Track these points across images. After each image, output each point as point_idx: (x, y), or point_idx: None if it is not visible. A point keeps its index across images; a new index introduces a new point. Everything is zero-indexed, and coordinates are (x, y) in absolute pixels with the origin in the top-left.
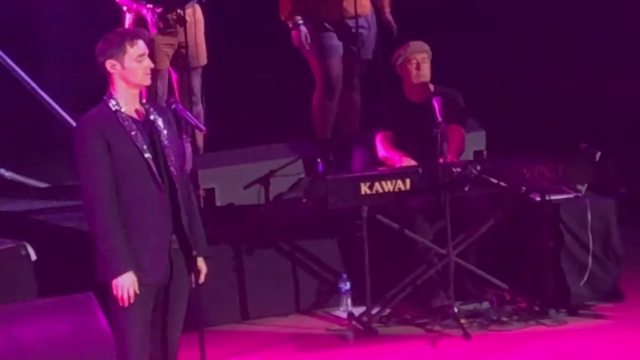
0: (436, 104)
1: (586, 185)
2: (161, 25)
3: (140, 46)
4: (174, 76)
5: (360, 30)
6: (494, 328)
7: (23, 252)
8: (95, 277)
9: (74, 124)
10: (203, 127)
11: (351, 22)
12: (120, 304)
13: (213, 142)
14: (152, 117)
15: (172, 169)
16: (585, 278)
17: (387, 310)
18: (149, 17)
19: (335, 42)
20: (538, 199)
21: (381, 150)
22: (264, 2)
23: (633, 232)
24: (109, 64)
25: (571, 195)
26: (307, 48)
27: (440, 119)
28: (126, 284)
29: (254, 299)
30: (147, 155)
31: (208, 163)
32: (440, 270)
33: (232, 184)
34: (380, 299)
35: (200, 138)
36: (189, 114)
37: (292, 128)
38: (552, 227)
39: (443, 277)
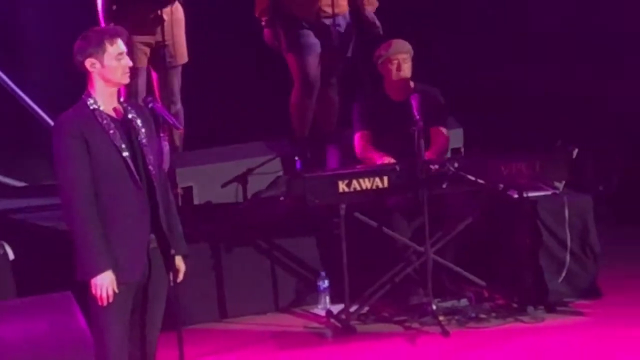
0: (413, 102)
1: (563, 182)
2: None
3: (120, 45)
4: (154, 75)
5: (338, 28)
6: (472, 325)
7: (1, 252)
8: (74, 276)
9: (52, 123)
10: (180, 126)
11: (328, 21)
12: (99, 303)
13: (192, 140)
14: (130, 116)
15: (150, 167)
16: (563, 275)
17: (366, 308)
18: None
19: (312, 41)
20: (516, 196)
21: (360, 150)
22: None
23: (610, 229)
24: (88, 62)
25: (549, 192)
26: (279, 46)
27: (417, 117)
28: (105, 283)
29: (232, 298)
30: (125, 154)
31: (186, 161)
32: (418, 267)
33: (210, 182)
34: (358, 296)
35: (178, 136)
36: (166, 112)
37: (270, 126)
38: (530, 224)
39: (421, 274)
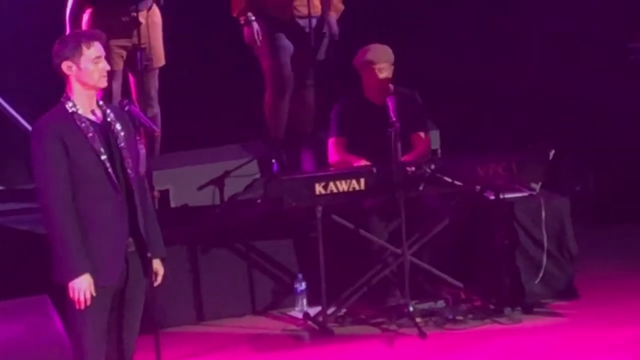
0: (390, 104)
1: (540, 183)
2: None
3: (97, 48)
4: (130, 78)
5: (312, 30)
6: (449, 327)
7: None
8: (52, 279)
9: (29, 127)
10: (157, 129)
11: (302, 22)
12: (77, 306)
13: (168, 143)
14: (109, 119)
15: (128, 171)
16: (540, 276)
17: (343, 310)
18: None
19: (286, 42)
20: (492, 197)
21: (333, 155)
22: (218, 1)
23: (587, 230)
24: (65, 65)
25: (525, 194)
26: (259, 45)
27: (394, 118)
28: (82, 286)
29: (209, 300)
30: (103, 157)
31: (162, 164)
32: (395, 269)
33: (187, 185)
34: (335, 299)
35: (155, 139)
36: (142, 115)
37: (247, 128)
38: (507, 226)
39: (398, 276)
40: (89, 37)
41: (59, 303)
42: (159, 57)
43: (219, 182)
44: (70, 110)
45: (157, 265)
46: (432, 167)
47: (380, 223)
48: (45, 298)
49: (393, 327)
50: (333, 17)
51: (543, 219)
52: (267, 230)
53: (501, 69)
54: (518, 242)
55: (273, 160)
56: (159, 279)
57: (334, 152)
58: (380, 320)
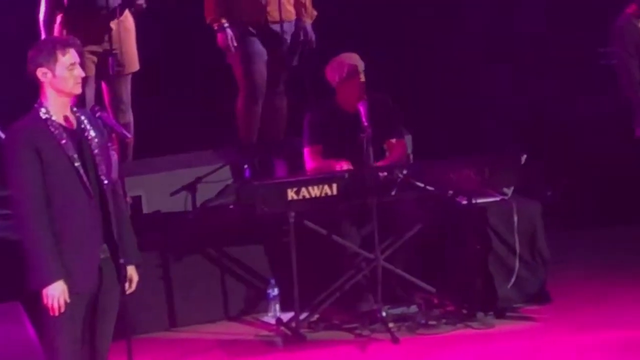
0: (362, 109)
1: (512, 187)
2: None
3: (72, 55)
4: (103, 84)
5: (285, 35)
6: (422, 332)
7: None
8: (25, 286)
9: (2, 134)
10: (128, 135)
11: (275, 27)
12: (51, 313)
13: (141, 149)
14: (82, 126)
15: (102, 177)
16: (513, 280)
17: (316, 316)
18: None
19: (259, 48)
20: (465, 202)
21: (310, 163)
22: (191, 7)
23: (559, 234)
24: (39, 72)
25: (497, 199)
26: (233, 51)
27: (365, 123)
28: (56, 293)
29: (182, 306)
30: (77, 163)
31: (134, 170)
32: (368, 274)
33: (159, 191)
34: (308, 304)
35: (127, 145)
36: (114, 121)
37: (219, 134)
38: (479, 230)
39: (371, 281)
40: (64, 44)
41: (32, 310)
42: (132, 63)
43: (191, 188)
44: (43, 117)
45: (132, 271)
46: (405, 172)
47: (352, 228)
48: (17, 305)
49: (366, 332)
50: (308, 23)
51: (515, 223)
52: (239, 236)
53: (476, 74)
54: (490, 247)
55: (245, 166)
56: (133, 285)
57: (310, 160)
58: (353, 325)
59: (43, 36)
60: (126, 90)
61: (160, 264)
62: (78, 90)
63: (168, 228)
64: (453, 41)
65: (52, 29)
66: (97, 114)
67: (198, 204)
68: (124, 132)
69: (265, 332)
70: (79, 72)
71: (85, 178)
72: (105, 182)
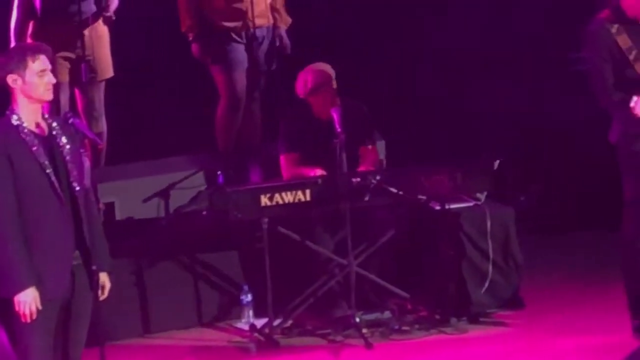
0: (335, 115)
1: (485, 193)
2: None
3: (43, 61)
4: (76, 90)
5: (262, 41)
6: (395, 337)
7: None
8: None
9: None
10: (101, 141)
11: (256, 32)
12: (23, 320)
13: (114, 155)
14: (54, 132)
15: (74, 184)
16: (486, 286)
17: (289, 322)
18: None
19: (240, 56)
20: (438, 207)
21: (287, 171)
22: (166, 13)
23: (532, 239)
24: (10, 78)
25: (470, 204)
26: (211, 60)
27: (339, 129)
28: (28, 300)
29: (155, 313)
30: (48, 170)
31: (107, 176)
32: (341, 280)
33: (132, 197)
34: (282, 310)
35: (101, 152)
36: (87, 128)
37: (193, 141)
38: (453, 236)
39: (344, 287)
40: (35, 50)
41: (4, 316)
42: (105, 70)
43: (164, 194)
44: (15, 124)
45: (104, 278)
46: (378, 177)
47: (326, 234)
48: None
49: (339, 338)
50: (284, 29)
51: (488, 228)
52: (212, 242)
53: (449, 80)
54: (464, 252)
55: (219, 172)
56: (106, 292)
57: (286, 168)
58: (326, 331)
59: (13, 43)
60: (99, 97)
61: (133, 270)
62: (49, 96)
63: (141, 234)
64: (426, 47)
65: (23, 37)
66: (70, 120)
67: (171, 210)
68: (97, 138)
69: (238, 338)
70: (49, 79)
71: (56, 184)
72: (77, 188)
